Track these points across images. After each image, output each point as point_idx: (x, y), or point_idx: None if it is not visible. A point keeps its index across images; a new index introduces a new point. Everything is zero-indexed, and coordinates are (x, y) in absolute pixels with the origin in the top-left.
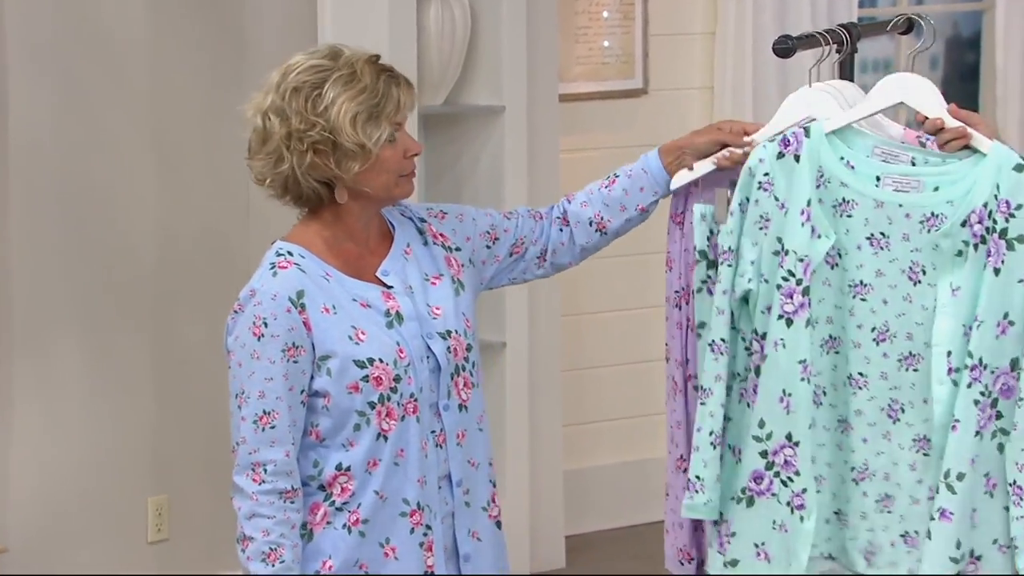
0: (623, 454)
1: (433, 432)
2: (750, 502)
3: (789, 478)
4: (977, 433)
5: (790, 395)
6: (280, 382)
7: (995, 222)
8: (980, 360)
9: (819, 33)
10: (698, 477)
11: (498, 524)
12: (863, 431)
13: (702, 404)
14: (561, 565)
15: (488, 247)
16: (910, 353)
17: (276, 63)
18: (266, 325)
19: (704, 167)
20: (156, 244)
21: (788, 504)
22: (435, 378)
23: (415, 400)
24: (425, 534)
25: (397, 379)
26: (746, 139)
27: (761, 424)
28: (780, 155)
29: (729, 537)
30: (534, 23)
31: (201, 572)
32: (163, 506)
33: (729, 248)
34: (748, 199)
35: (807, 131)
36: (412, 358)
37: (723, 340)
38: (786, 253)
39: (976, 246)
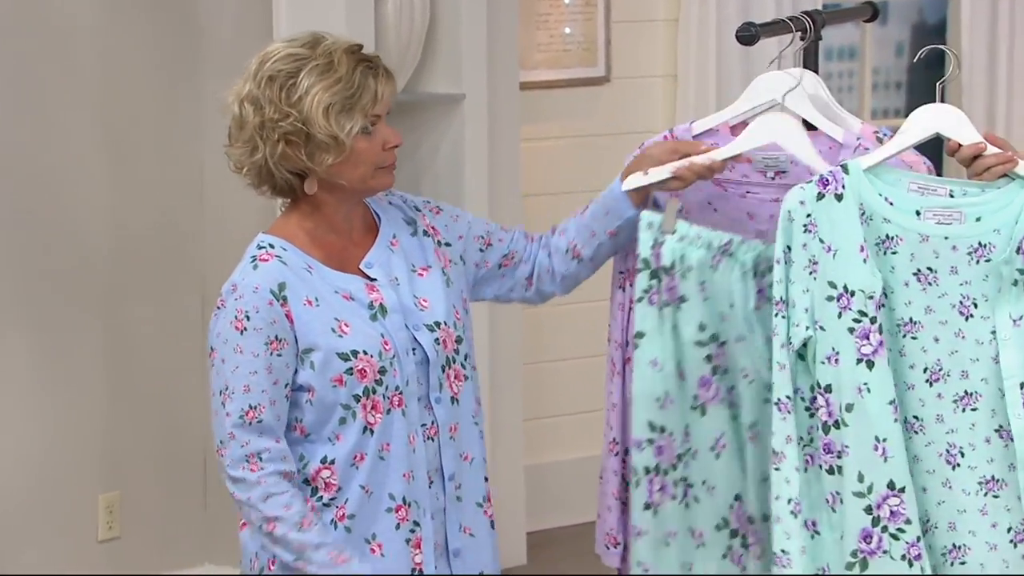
0: (585, 448)
1: (424, 425)
2: (863, 565)
3: (900, 529)
4: None
5: (885, 440)
6: (264, 376)
7: None
8: None
9: (783, 20)
10: (784, 551)
11: (491, 523)
12: (922, 480)
13: (776, 470)
14: (523, 562)
15: (481, 251)
16: (966, 392)
17: (231, 52)
18: (248, 319)
19: (660, 173)
20: (108, 235)
21: (904, 557)
22: (423, 370)
23: (400, 393)
24: (412, 530)
25: (382, 371)
26: (703, 157)
27: (860, 478)
28: (820, 196)
29: None
30: (494, 9)
31: (154, 572)
32: (114, 503)
33: (781, 299)
34: (792, 245)
35: (845, 168)
36: (397, 350)
37: (788, 397)
38: (851, 294)
39: None
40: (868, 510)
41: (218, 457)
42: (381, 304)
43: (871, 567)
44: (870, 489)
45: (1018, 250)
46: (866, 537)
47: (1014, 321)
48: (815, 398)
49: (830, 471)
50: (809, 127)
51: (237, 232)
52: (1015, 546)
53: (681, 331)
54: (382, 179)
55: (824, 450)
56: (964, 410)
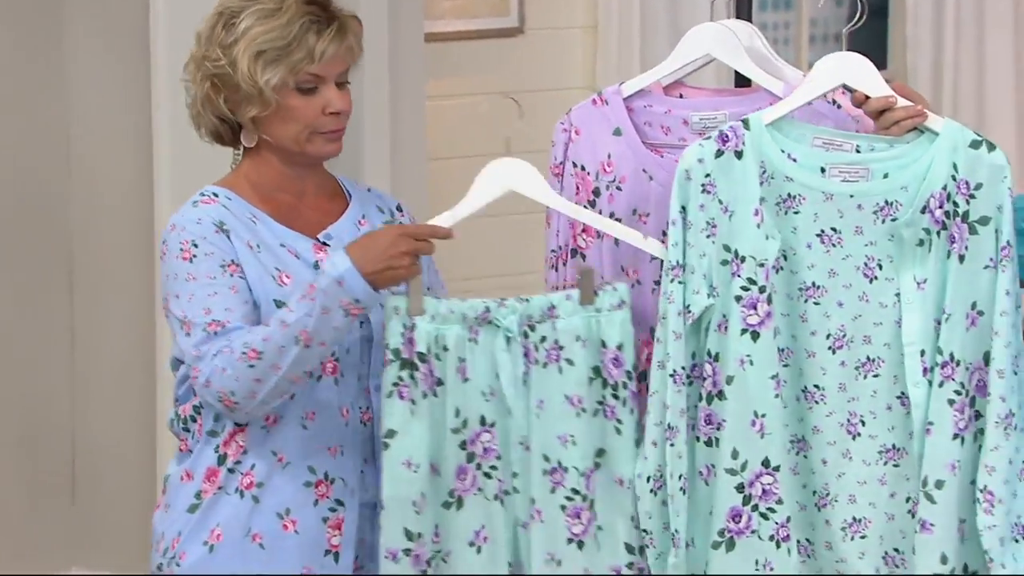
0: None
1: (360, 408)
2: (730, 545)
3: (770, 508)
4: (956, 436)
5: (763, 416)
6: (227, 295)
7: (956, 205)
8: (952, 356)
9: None
10: (678, 531)
11: None
12: (822, 452)
13: (671, 446)
14: None
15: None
16: (867, 358)
17: (99, 9)
18: (196, 246)
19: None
20: None
21: (772, 538)
22: (366, 348)
23: (337, 360)
24: (333, 509)
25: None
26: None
27: (735, 454)
28: (719, 153)
29: None
30: None
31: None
32: None
33: (677, 263)
34: (688, 206)
35: (746, 123)
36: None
37: (684, 368)
38: (741, 260)
39: (939, 233)
40: (740, 488)
41: (194, 384)
42: (318, 263)
43: (738, 547)
44: (744, 466)
45: (923, 209)
46: (735, 516)
47: (918, 284)
48: (696, 366)
49: (708, 443)
50: (745, 82)
51: (109, 199)
52: (912, 516)
53: (438, 421)
54: (321, 146)
55: (704, 421)
56: (866, 377)
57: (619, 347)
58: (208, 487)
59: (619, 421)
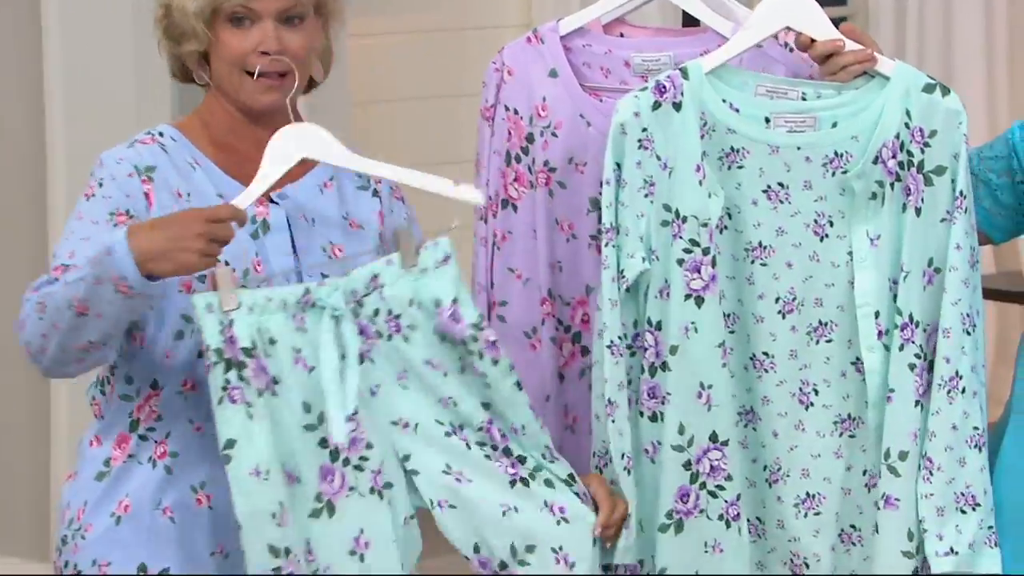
0: None
1: None
2: (679, 527)
3: (719, 486)
4: (917, 403)
5: (710, 387)
6: (99, 244)
7: (910, 154)
8: (911, 317)
9: None
10: (628, 515)
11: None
12: (772, 424)
13: (612, 422)
14: None
15: None
16: (820, 322)
17: None
18: (100, 186)
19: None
20: None
21: (721, 517)
22: None
23: None
24: None
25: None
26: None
27: (681, 429)
28: (656, 105)
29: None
30: None
31: None
32: None
33: (611, 225)
34: (623, 163)
35: (684, 72)
36: (273, 279)
37: (621, 338)
38: (683, 220)
39: (892, 185)
40: (687, 465)
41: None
42: (265, 220)
43: (687, 529)
44: (690, 442)
45: (875, 160)
46: (683, 496)
47: (871, 240)
48: (637, 335)
49: (652, 418)
50: (693, 22)
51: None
52: (868, 490)
53: (284, 421)
54: (252, 93)
55: (647, 394)
56: (819, 342)
57: (454, 302)
58: (118, 454)
59: (483, 376)
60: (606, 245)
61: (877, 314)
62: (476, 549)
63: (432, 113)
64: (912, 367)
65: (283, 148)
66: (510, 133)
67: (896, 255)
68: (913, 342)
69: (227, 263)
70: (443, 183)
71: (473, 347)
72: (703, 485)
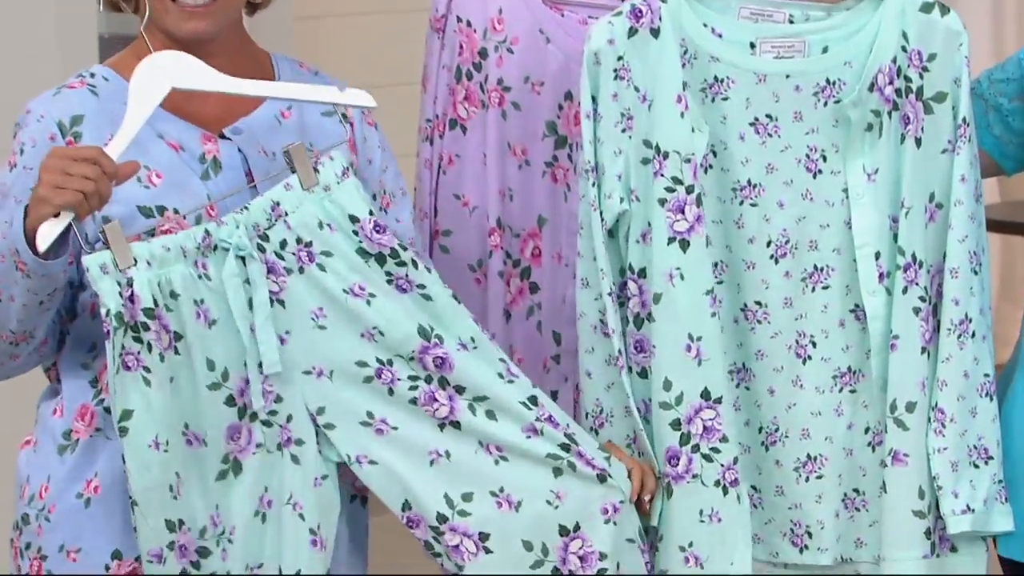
0: None
1: None
2: (668, 492)
3: (715, 448)
4: (923, 349)
5: (699, 339)
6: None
7: (908, 80)
8: (914, 256)
9: None
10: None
11: (361, 500)
12: (768, 380)
13: (624, 374)
14: None
15: None
16: (816, 267)
17: None
18: (21, 153)
19: (67, 209)
20: None
21: (718, 483)
22: None
23: None
24: None
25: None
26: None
27: (667, 385)
28: (632, 31)
29: (656, 541)
30: None
31: None
32: None
33: (589, 164)
34: (599, 96)
35: None
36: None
37: (615, 284)
38: (664, 156)
39: (890, 114)
40: (676, 425)
41: None
42: (215, 158)
43: (677, 495)
44: (679, 399)
45: (871, 87)
46: (673, 458)
47: (868, 175)
48: (625, 283)
49: (641, 374)
50: None
51: None
52: (873, 449)
53: (187, 382)
54: (176, 20)
55: (634, 348)
56: (815, 289)
57: (371, 213)
58: (81, 427)
59: (422, 287)
60: (593, 185)
61: (877, 255)
62: (405, 506)
63: (380, 30)
64: (917, 311)
65: (145, 84)
66: (461, 47)
67: (896, 190)
68: (917, 284)
69: (176, 211)
70: (329, 91)
71: (404, 256)
72: (696, 448)
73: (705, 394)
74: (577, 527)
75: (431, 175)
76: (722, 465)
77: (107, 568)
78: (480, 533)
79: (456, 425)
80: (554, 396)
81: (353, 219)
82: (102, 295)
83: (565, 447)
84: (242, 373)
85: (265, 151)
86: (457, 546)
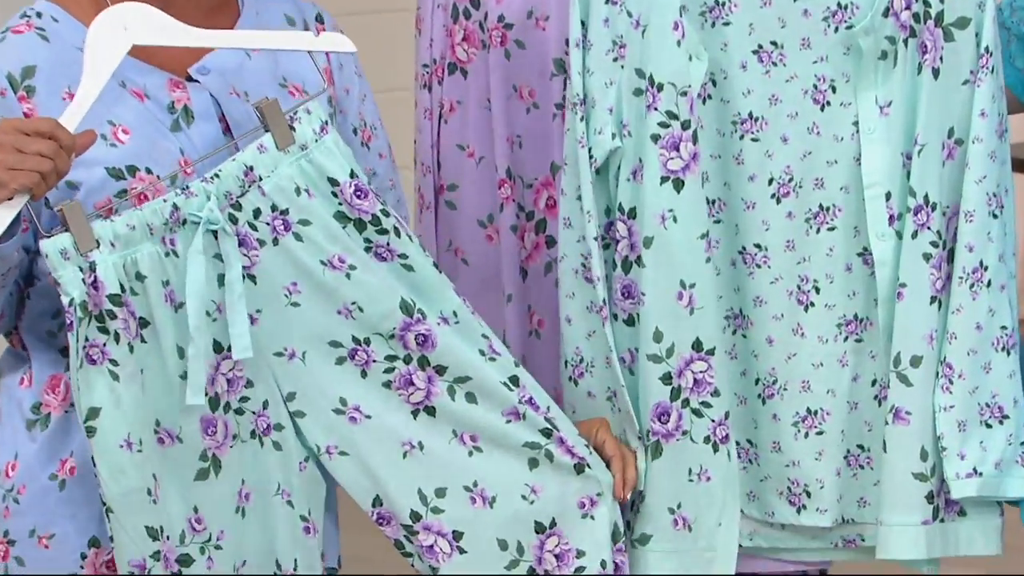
0: None
1: None
2: (656, 451)
3: (705, 403)
4: (933, 299)
5: (692, 286)
6: None
7: (927, 4)
8: (926, 198)
9: None
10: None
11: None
12: (767, 328)
13: (606, 323)
14: None
15: None
16: (820, 207)
17: None
18: None
19: (22, 190)
20: None
21: (707, 440)
22: None
23: None
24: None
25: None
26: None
27: (657, 336)
28: None
29: (635, 506)
30: None
31: None
32: None
33: (578, 97)
34: (589, 21)
35: None
36: (205, 173)
37: (601, 226)
38: (659, 88)
39: (905, 41)
40: (667, 379)
41: None
42: (186, 107)
43: (666, 453)
44: (670, 351)
45: (885, 12)
46: (662, 414)
47: (881, 108)
48: (611, 224)
49: (628, 321)
50: None
51: None
52: (879, 403)
53: (155, 375)
54: None
55: (621, 293)
56: (819, 231)
57: (352, 175)
58: (54, 402)
59: (404, 257)
60: (581, 119)
61: (888, 195)
62: (377, 502)
63: (369, 32)
64: (928, 257)
65: (104, 42)
66: None
67: (910, 125)
68: (929, 227)
69: (149, 170)
70: (304, 37)
71: (386, 223)
72: (686, 402)
73: (697, 345)
74: (553, 523)
75: (432, 125)
76: (713, 420)
77: (83, 557)
78: (454, 532)
79: (430, 411)
80: None
81: (332, 182)
82: (63, 284)
83: (546, 432)
84: (212, 360)
85: (237, 91)
86: (431, 546)
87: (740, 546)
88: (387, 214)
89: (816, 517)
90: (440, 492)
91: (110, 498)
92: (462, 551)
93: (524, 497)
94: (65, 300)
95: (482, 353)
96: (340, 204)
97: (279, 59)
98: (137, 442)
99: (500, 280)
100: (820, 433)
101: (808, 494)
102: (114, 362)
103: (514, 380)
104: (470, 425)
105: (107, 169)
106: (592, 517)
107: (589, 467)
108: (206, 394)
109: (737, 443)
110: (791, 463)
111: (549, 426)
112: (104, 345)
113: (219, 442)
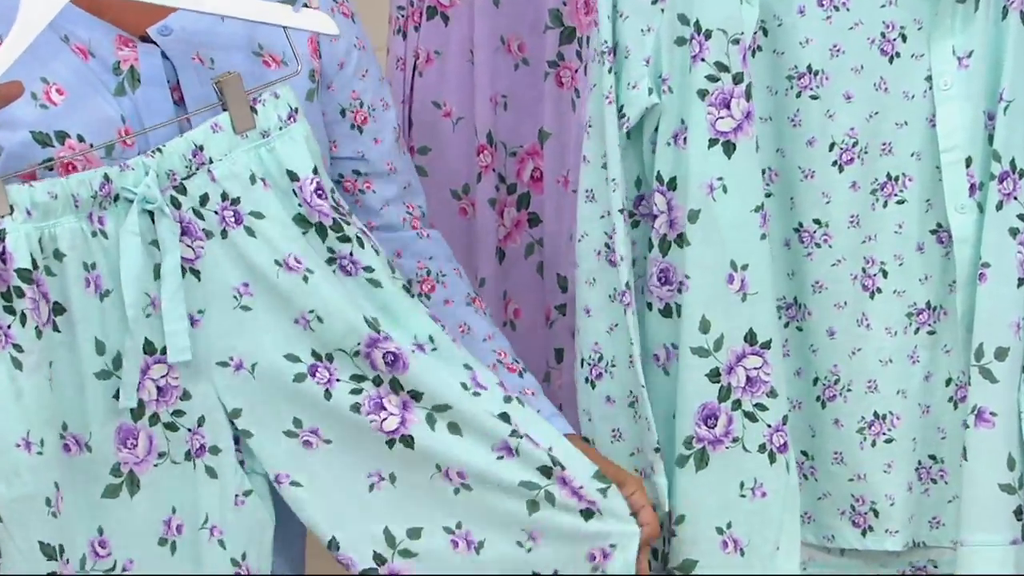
0: None
1: None
2: (701, 459)
3: (760, 405)
4: (1021, 282)
5: (745, 268)
6: None
7: None
8: (1012, 164)
9: None
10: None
11: None
12: (827, 318)
13: (632, 313)
14: None
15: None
16: (888, 176)
17: None
18: None
19: None
20: None
21: (763, 448)
22: None
23: None
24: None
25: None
26: None
27: (704, 326)
28: None
29: (676, 524)
30: None
31: None
32: None
33: (606, 45)
34: None
35: None
36: (148, 148)
37: (628, 199)
38: (706, 36)
39: None
40: (714, 375)
41: None
42: (132, 68)
43: (713, 463)
44: (718, 344)
45: None
46: (708, 418)
47: (959, 60)
48: (642, 198)
49: (664, 311)
50: None
51: None
52: (955, 406)
53: (66, 370)
54: None
55: (657, 279)
56: (887, 204)
57: (315, 171)
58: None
59: (368, 270)
60: (609, 71)
61: (968, 161)
62: (334, 544)
63: None
64: (1015, 232)
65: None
66: None
67: (994, 79)
68: (1016, 198)
69: (81, 137)
70: (282, 10)
71: (348, 231)
72: (737, 404)
73: (750, 337)
74: None
75: (404, 77)
76: (769, 426)
77: None
78: None
79: (407, 442)
80: (559, 355)
81: (292, 176)
82: (16, 258)
83: (545, 471)
84: (140, 362)
85: (202, 57)
86: None
87: None
88: (348, 222)
89: (885, 540)
90: (413, 533)
91: (0, 504)
92: None
93: (520, 544)
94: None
95: (464, 387)
96: (300, 205)
97: (255, 30)
98: (37, 443)
99: (473, 260)
100: (889, 441)
101: (876, 513)
102: (18, 347)
103: (504, 417)
104: (455, 460)
105: (32, 133)
106: (604, 573)
107: (600, 513)
108: (119, 394)
109: None
110: (856, 477)
111: (550, 463)
112: (8, 327)
113: (139, 458)
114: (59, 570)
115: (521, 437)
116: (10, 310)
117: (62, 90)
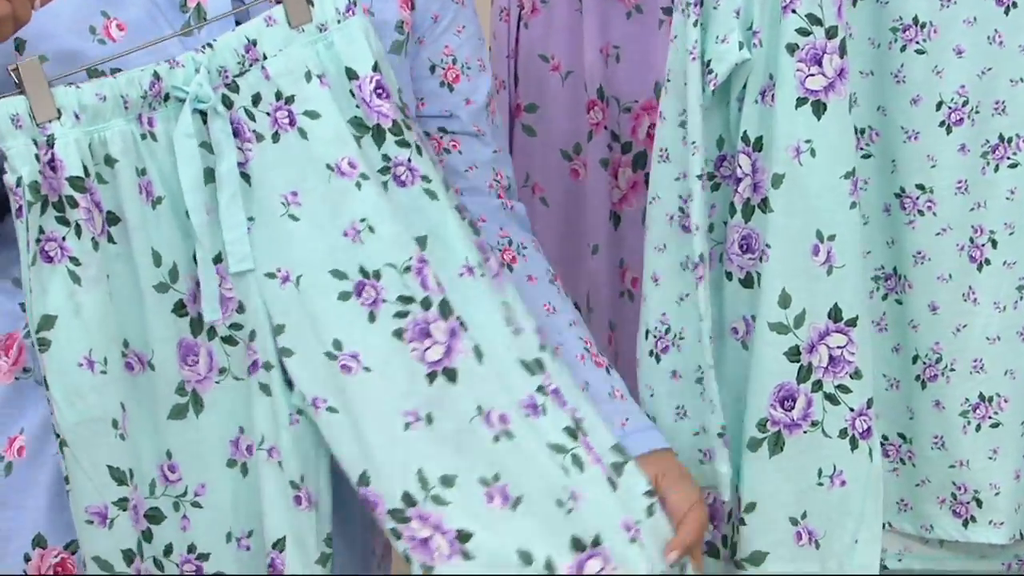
0: None
1: None
2: (776, 444)
3: (842, 387)
4: None
5: (832, 238)
6: None
7: None
8: None
9: None
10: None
11: None
12: (929, 291)
13: (703, 287)
14: None
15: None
16: (1001, 138)
17: None
18: None
19: None
20: None
21: (844, 433)
22: None
23: None
24: None
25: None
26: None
27: (784, 301)
28: None
29: (745, 513)
30: None
31: None
32: None
33: None
34: None
35: None
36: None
37: (708, 161)
38: None
39: None
40: (794, 354)
41: None
42: (199, 5)
43: (788, 447)
44: (799, 320)
45: None
46: (786, 399)
47: None
48: (724, 159)
49: (744, 282)
50: None
51: None
52: None
53: (124, 284)
54: None
55: (739, 246)
56: (998, 168)
57: (375, 68)
58: (3, 365)
59: (426, 180)
60: (693, 23)
61: None
62: (364, 479)
63: None
64: None
65: None
66: None
67: None
68: None
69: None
70: None
71: (408, 136)
72: (817, 385)
73: (835, 313)
74: (597, 542)
75: (509, 29)
76: (851, 409)
77: (26, 558)
78: (459, 532)
79: (450, 375)
80: None
81: (351, 74)
82: (11, 158)
83: (571, 432)
84: (193, 273)
85: None
86: (426, 541)
87: (885, 567)
88: (409, 127)
89: (988, 532)
90: (447, 480)
91: (64, 428)
92: (467, 556)
93: (560, 503)
94: (11, 178)
95: (506, 322)
96: (357, 106)
97: None
98: (101, 361)
99: (585, 225)
100: (996, 426)
101: (979, 503)
102: (75, 260)
103: (538, 363)
104: (496, 403)
105: (88, 71)
106: (642, 546)
107: (617, 484)
108: (187, 314)
109: (886, 438)
110: (958, 463)
111: (575, 426)
112: (63, 240)
113: (200, 375)
114: (130, 495)
115: (548, 393)
116: (63, 221)
117: (123, 26)
